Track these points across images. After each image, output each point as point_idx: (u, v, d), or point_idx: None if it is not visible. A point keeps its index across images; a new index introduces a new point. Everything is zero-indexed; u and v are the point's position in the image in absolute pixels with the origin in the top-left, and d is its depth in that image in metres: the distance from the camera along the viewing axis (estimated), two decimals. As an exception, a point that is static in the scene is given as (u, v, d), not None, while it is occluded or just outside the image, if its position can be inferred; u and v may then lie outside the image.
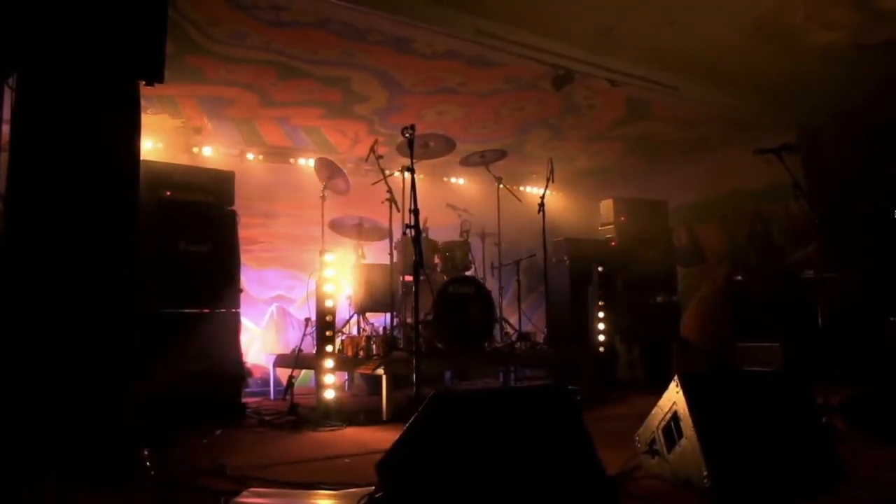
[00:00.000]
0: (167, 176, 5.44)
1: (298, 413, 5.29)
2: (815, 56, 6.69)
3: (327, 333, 5.64)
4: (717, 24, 6.13)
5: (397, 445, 2.43)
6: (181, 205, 5.40)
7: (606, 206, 8.10)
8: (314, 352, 5.84)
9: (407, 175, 5.17)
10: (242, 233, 5.77)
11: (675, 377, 3.04)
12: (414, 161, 5.10)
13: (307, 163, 8.77)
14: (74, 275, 3.40)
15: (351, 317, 6.95)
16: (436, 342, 5.97)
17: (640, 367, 7.39)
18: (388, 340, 5.93)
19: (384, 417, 5.21)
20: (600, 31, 6.22)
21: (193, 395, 4.88)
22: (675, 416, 3.01)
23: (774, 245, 8.86)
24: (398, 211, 6.38)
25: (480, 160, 7.31)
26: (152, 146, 7.68)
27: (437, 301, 5.97)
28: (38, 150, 3.44)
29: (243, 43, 6.13)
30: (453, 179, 10.39)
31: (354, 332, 6.73)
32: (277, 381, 7.01)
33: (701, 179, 9.64)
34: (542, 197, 6.82)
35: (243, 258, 5.82)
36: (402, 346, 5.99)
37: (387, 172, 6.26)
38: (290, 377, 5.81)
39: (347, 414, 5.30)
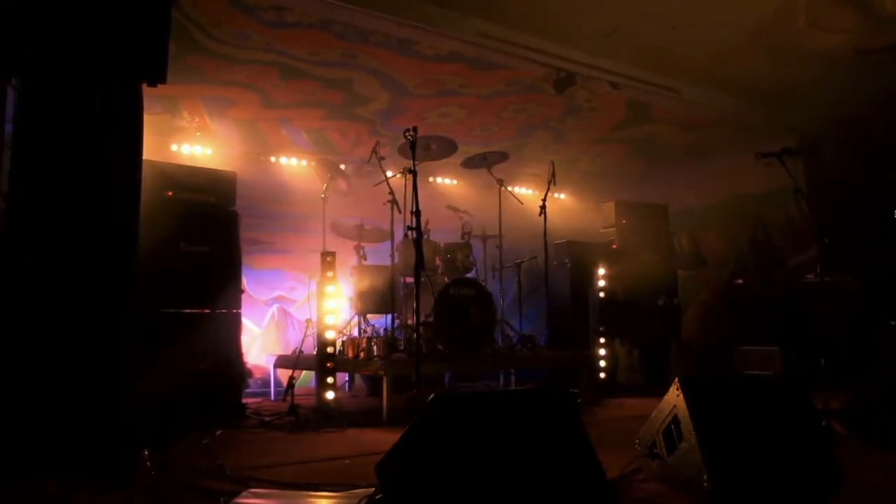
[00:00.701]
0: (169, 176, 5.44)
1: (299, 414, 5.29)
2: (816, 61, 6.70)
3: (328, 334, 5.64)
4: (719, 28, 6.14)
5: (397, 447, 2.43)
6: (183, 205, 5.39)
7: (608, 209, 8.10)
8: (315, 353, 5.84)
9: (409, 177, 5.17)
10: (243, 233, 5.76)
11: (676, 380, 3.05)
12: (416, 163, 5.10)
13: (309, 164, 8.78)
14: (76, 274, 3.40)
15: (352, 318, 6.96)
16: (436, 344, 5.97)
17: (640, 370, 7.38)
18: (388, 342, 5.93)
19: (384, 419, 5.20)
20: (602, 34, 6.23)
21: (194, 395, 4.88)
22: (675, 419, 3.01)
23: (775, 249, 8.86)
24: (399, 212, 6.38)
25: (482, 162, 7.31)
26: (154, 146, 7.68)
27: (437, 303, 5.97)
28: (40, 150, 3.44)
29: (246, 44, 6.15)
30: (455, 181, 10.39)
31: (355, 333, 6.74)
32: (278, 382, 7.02)
33: (702, 183, 9.64)
34: (544, 199, 6.82)
35: (244, 259, 5.82)
36: (402, 347, 5.99)
37: (388, 174, 6.27)
38: (291, 378, 5.80)
39: (348, 415, 5.30)
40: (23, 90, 3.42)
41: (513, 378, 7.22)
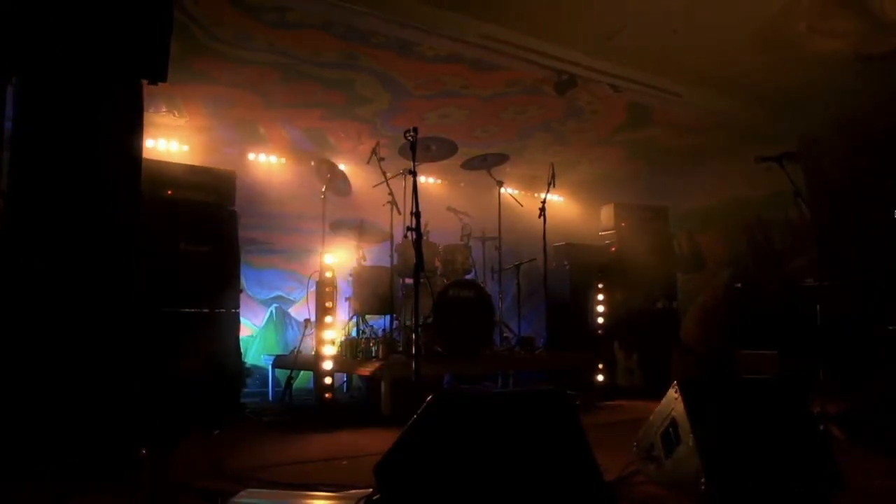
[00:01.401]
0: (168, 175, 5.43)
1: (297, 414, 5.30)
2: (817, 65, 6.70)
3: (326, 335, 5.64)
4: (720, 32, 6.14)
5: (395, 448, 2.43)
6: (182, 204, 5.38)
7: (607, 212, 8.09)
8: (313, 353, 5.84)
9: (409, 177, 5.17)
10: (243, 233, 5.75)
11: (674, 383, 3.05)
12: (416, 164, 5.10)
13: (308, 164, 8.77)
14: (75, 273, 3.40)
15: (351, 319, 6.96)
16: (435, 345, 5.97)
17: (639, 373, 7.38)
18: (387, 343, 5.94)
19: (382, 420, 5.21)
20: (604, 36, 6.23)
21: (192, 395, 4.87)
22: (673, 422, 3.01)
23: (774, 253, 8.86)
24: (399, 213, 6.39)
25: (482, 164, 7.31)
26: (153, 145, 7.70)
27: (437, 304, 5.98)
28: (40, 148, 3.45)
29: (247, 44, 6.15)
30: (454, 183, 10.38)
31: (354, 334, 6.74)
32: (276, 382, 7.01)
33: (702, 186, 9.64)
34: (543, 201, 6.82)
35: (243, 258, 5.81)
36: (401, 348, 6.00)
37: (388, 175, 6.26)
38: (289, 378, 5.82)
39: (346, 416, 5.30)
40: (22, 88, 3.41)
41: (511, 380, 7.21)
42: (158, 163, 5.54)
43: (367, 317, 6.93)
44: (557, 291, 7.62)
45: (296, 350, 6.31)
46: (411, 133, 4.94)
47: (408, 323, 6.19)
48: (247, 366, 6.61)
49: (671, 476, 3.01)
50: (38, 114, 3.45)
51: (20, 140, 3.40)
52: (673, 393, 3.04)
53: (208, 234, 5.43)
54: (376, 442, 4.30)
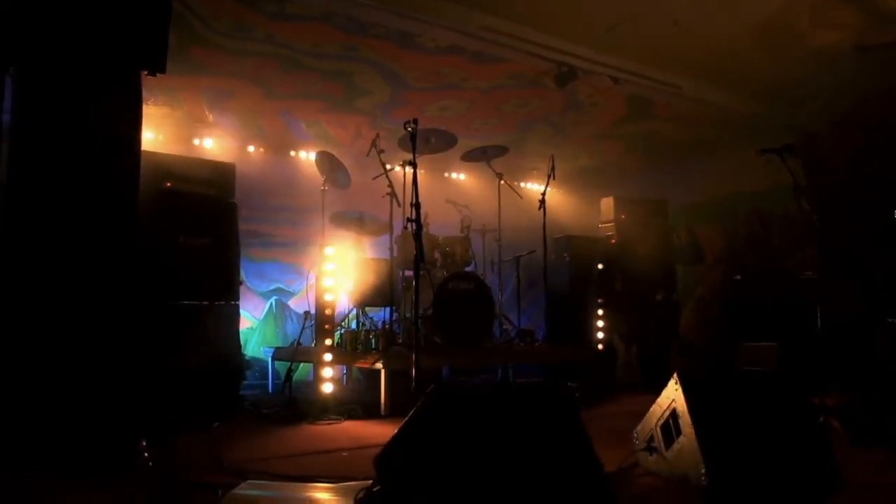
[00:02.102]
0: (167, 167, 5.41)
1: (297, 406, 5.29)
2: (817, 58, 6.68)
3: (326, 327, 5.64)
4: (721, 25, 6.12)
5: (395, 440, 2.43)
6: (181, 196, 5.37)
7: (607, 204, 8.09)
8: (313, 345, 5.84)
9: (408, 169, 5.16)
10: (242, 225, 5.74)
11: (675, 375, 3.05)
12: (416, 156, 5.09)
13: (308, 156, 8.76)
14: (74, 266, 3.40)
15: (350, 311, 6.95)
16: (435, 337, 5.98)
17: (639, 365, 7.39)
18: (387, 335, 5.94)
19: (382, 412, 5.21)
20: (604, 28, 6.21)
21: (191, 387, 4.87)
22: (673, 414, 3.02)
23: (773, 246, 8.86)
24: (399, 205, 6.38)
25: (482, 156, 7.31)
26: (153, 137, 7.68)
27: (436, 296, 5.98)
28: (38, 141, 3.43)
29: (246, 35, 6.12)
30: (454, 175, 10.38)
31: (354, 326, 6.74)
32: (276, 375, 7.02)
33: (701, 180, 9.63)
34: (543, 194, 6.82)
35: (243, 251, 5.81)
36: (401, 340, 6.00)
37: (388, 167, 6.25)
38: (289, 370, 5.81)
39: (346, 408, 5.30)
40: (20, 80, 3.40)
41: (511, 372, 7.22)
42: (158, 155, 5.52)
43: (367, 309, 6.92)
44: (557, 284, 7.62)
45: (295, 342, 6.30)
46: (411, 124, 4.93)
47: (407, 315, 6.19)
48: (246, 358, 6.60)
49: (671, 467, 3.01)
50: (37, 105, 3.44)
51: (19, 132, 3.38)
52: (673, 385, 3.04)
53: (208, 227, 5.42)
54: (376, 434, 4.31)
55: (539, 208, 6.79)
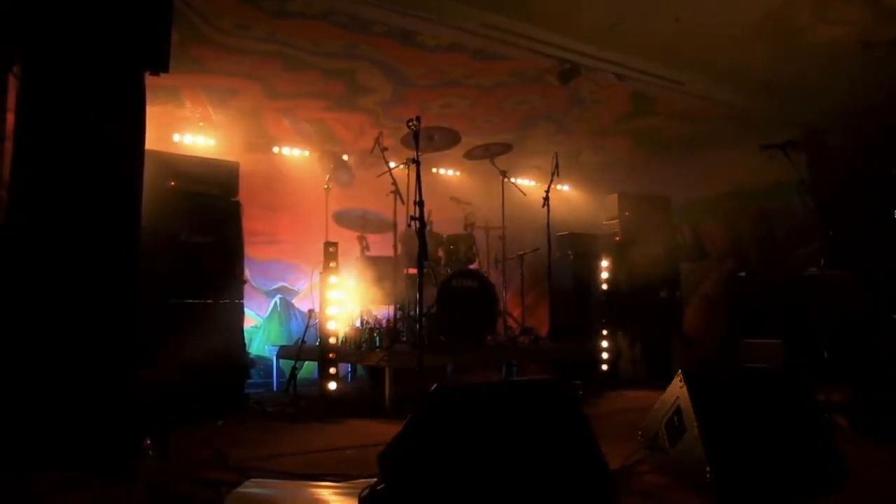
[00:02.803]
0: (171, 166, 5.42)
1: (301, 404, 5.30)
2: (821, 53, 6.67)
3: (330, 325, 5.64)
4: (724, 20, 6.11)
5: (399, 438, 2.43)
6: (185, 195, 5.38)
7: (611, 202, 8.08)
8: (317, 343, 5.84)
9: (411, 167, 5.16)
10: (246, 224, 5.75)
11: (679, 372, 3.05)
12: (419, 153, 5.09)
13: (311, 154, 8.76)
14: (78, 264, 3.40)
15: (354, 309, 6.95)
16: (438, 335, 5.97)
17: (642, 362, 7.38)
18: (391, 333, 5.94)
19: (386, 410, 5.21)
20: (606, 25, 6.20)
21: (196, 385, 4.88)
22: (678, 411, 3.01)
23: (777, 242, 8.85)
24: (402, 203, 6.38)
25: (485, 153, 7.29)
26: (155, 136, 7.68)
27: (440, 294, 5.97)
28: (42, 139, 3.44)
29: (248, 34, 6.13)
30: (458, 172, 10.37)
31: (358, 324, 6.74)
32: (280, 373, 7.02)
33: (705, 176, 9.61)
34: (547, 191, 6.81)
35: (247, 249, 5.81)
36: (404, 338, 6.00)
37: (391, 165, 6.25)
38: (293, 368, 5.82)
39: (350, 406, 5.30)
40: (24, 79, 3.41)
41: (515, 370, 7.22)
42: (162, 153, 5.52)
43: (371, 307, 6.93)
44: (561, 281, 7.62)
45: (300, 341, 6.31)
46: (414, 122, 4.93)
47: (411, 313, 6.19)
48: (251, 356, 6.62)
49: (676, 465, 3.01)
50: (41, 104, 3.44)
51: (22, 130, 3.39)
52: (678, 382, 3.03)
53: (212, 226, 5.43)
54: (381, 431, 4.30)
55: (543, 206, 6.78)
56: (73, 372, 3.29)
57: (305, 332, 6.18)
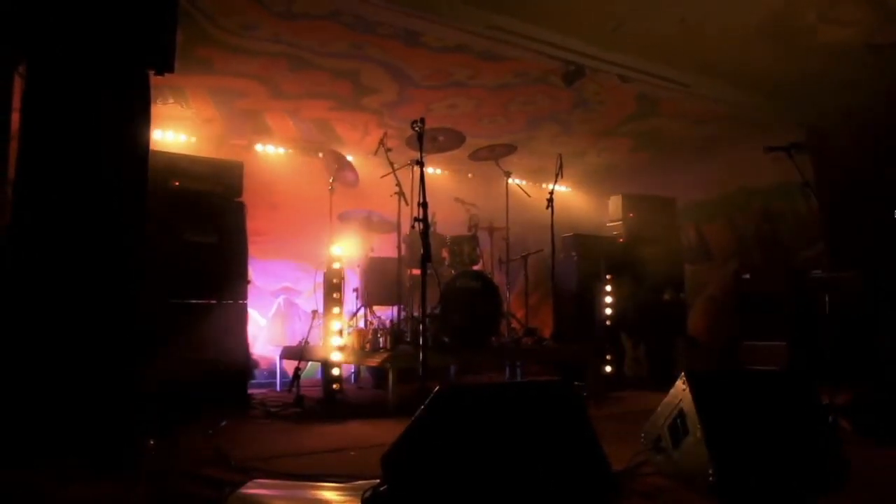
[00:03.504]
0: (175, 165, 5.44)
1: (304, 405, 5.30)
2: (826, 55, 6.65)
3: (334, 326, 5.64)
4: (728, 21, 6.10)
5: (402, 439, 2.43)
6: (189, 195, 5.38)
7: (615, 203, 8.08)
8: (321, 344, 5.85)
9: (416, 168, 5.16)
10: (250, 224, 5.76)
11: (682, 374, 3.04)
12: (423, 154, 5.09)
13: (316, 155, 8.76)
14: (82, 263, 3.41)
15: (358, 309, 6.96)
16: (442, 336, 5.97)
17: (646, 364, 7.37)
18: (394, 333, 5.94)
19: (390, 411, 5.21)
20: (611, 26, 6.20)
21: (199, 385, 4.89)
22: (681, 413, 3.00)
23: (782, 244, 8.83)
24: (406, 204, 6.38)
25: (489, 154, 7.29)
26: (161, 136, 7.71)
27: (444, 295, 5.97)
28: (47, 139, 3.45)
29: (253, 34, 6.13)
30: (462, 174, 10.36)
31: (361, 324, 6.74)
32: (284, 373, 7.03)
33: (709, 177, 9.61)
34: (551, 192, 6.81)
35: (251, 249, 5.81)
36: (408, 339, 6.00)
37: (395, 166, 6.25)
38: (297, 369, 5.82)
39: (353, 406, 5.30)
40: (30, 79, 3.42)
41: (519, 371, 7.21)
42: (166, 153, 5.54)
43: (375, 307, 6.93)
44: (565, 282, 7.61)
45: (303, 341, 6.31)
46: (418, 124, 4.93)
47: (415, 314, 6.19)
48: (254, 357, 6.62)
49: (679, 467, 3.00)
50: (46, 104, 3.46)
51: (28, 130, 3.40)
52: (681, 384, 3.03)
53: (216, 225, 5.44)
54: (384, 432, 4.30)
55: (547, 207, 6.78)
56: (77, 369, 3.30)
57: (309, 332, 6.19)
